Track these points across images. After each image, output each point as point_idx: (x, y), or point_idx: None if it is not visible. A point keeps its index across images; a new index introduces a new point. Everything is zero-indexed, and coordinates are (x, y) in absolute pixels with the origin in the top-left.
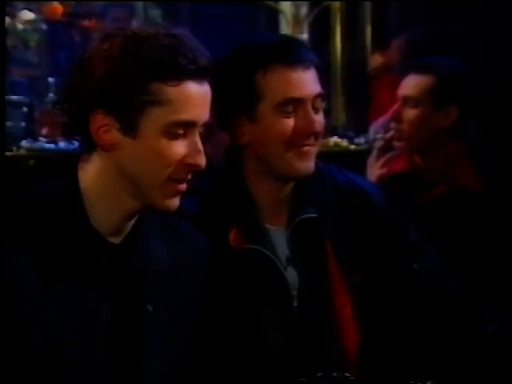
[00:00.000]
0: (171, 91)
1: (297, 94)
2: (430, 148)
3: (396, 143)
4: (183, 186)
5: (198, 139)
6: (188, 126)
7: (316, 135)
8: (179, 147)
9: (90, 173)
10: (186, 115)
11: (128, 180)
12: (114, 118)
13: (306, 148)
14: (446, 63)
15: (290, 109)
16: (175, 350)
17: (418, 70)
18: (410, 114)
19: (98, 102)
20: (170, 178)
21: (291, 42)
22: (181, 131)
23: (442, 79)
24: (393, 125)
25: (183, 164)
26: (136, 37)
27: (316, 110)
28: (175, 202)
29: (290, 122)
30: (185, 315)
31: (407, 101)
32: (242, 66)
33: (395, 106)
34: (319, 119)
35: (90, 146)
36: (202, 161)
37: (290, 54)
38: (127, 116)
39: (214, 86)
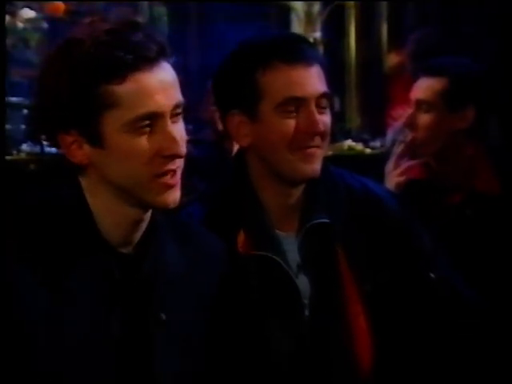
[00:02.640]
0: (119, 90)
1: (298, 92)
2: (447, 152)
3: (413, 149)
4: (174, 179)
5: (170, 127)
6: (152, 118)
7: (321, 136)
8: (149, 143)
9: (86, 190)
10: (144, 109)
11: (118, 189)
12: (77, 132)
13: (310, 150)
14: (457, 63)
15: (292, 108)
16: (189, 359)
17: (429, 72)
18: (425, 119)
19: (56, 121)
20: (155, 175)
21: (292, 39)
22: (146, 127)
23: (454, 80)
24: (407, 132)
25: (161, 157)
26: (68, 44)
27: (321, 110)
28: (172, 196)
29: (292, 123)
30: (200, 321)
31: (420, 105)
32: (243, 64)
33: (408, 112)
34: (324, 119)
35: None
36: (179, 149)
37: (290, 50)
38: (87, 127)
39: (215, 85)
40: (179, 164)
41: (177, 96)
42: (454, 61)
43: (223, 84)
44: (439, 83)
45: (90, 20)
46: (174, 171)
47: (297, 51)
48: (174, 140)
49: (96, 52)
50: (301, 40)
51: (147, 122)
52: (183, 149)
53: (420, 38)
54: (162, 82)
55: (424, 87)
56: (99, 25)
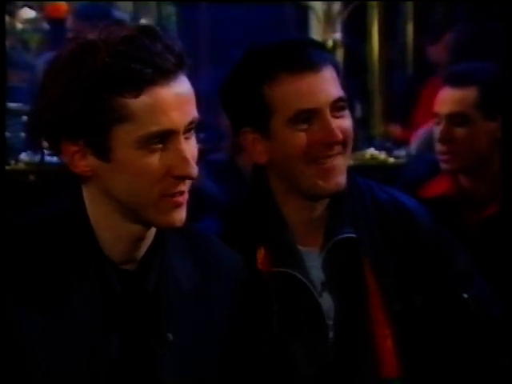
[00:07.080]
0: (133, 104)
1: (309, 104)
2: (480, 164)
3: (445, 165)
4: (181, 199)
5: (182, 146)
6: (164, 136)
7: (342, 143)
8: (160, 161)
9: (88, 201)
10: (157, 126)
11: (120, 205)
12: (83, 143)
13: (329, 164)
14: (483, 69)
15: (306, 121)
16: (198, 381)
17: (457, 82)
18: (462, 132)
19: (60, 129)
20: (162, 194)
21: (295, 45)
22: (158, 144)
23: (486, 88)
24: (440, 147)
25: (171, 177)
26: (81, 49)
27: (338, 115)
28: (177, 216)
29: (307, 135)
30: (213, 340)
31: (454, 119)
32: (248, 80)
33: (441, 126)
34: (342, 125)
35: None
36: (190, 170)
37: (294, 58)
38: (95, 139)
39: (224, 103)
40: (189, 184)
41: (192, 112)
42: (477, 66)
43: (231, 102)
44: (471, 93)
45: (106, 23)
46: (183, 191)
47: (301, 58)
48: (186, 160)
49: (112, 62)
50: (305, 44)
51: (159, 139)
52: (195, 170)
53: (461, 33)
54: (178, 97)
55: (456, 99)
56: (115, 30)
